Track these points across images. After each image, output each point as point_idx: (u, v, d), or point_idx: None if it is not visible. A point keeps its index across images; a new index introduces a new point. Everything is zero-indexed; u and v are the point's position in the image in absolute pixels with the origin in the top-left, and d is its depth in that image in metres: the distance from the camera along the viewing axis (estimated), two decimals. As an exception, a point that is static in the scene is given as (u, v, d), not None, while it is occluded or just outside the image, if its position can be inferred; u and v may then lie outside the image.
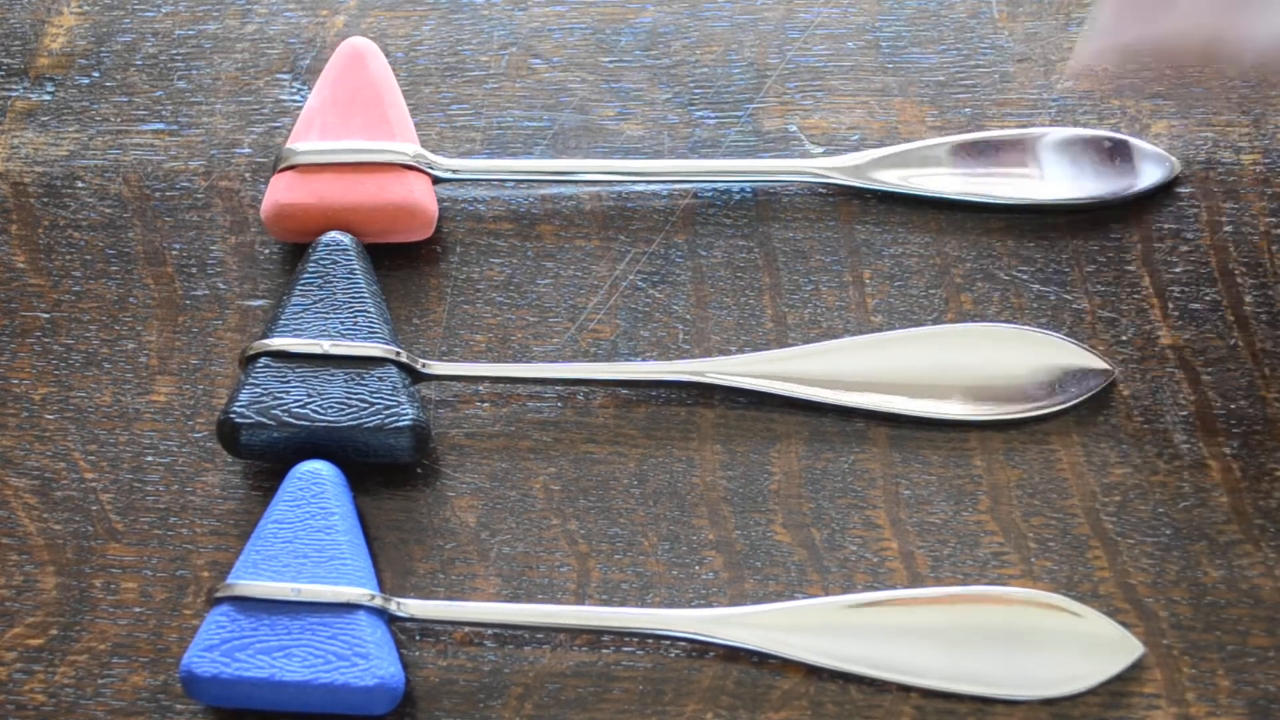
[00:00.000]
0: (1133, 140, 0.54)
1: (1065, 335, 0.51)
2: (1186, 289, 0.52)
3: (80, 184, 0.56)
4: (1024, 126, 0.55)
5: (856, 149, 0.55)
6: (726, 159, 0.54)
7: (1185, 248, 0.52)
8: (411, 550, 0.49)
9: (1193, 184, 0.53)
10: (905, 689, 0.46)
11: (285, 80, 0.57)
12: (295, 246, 0.54)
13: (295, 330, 0.50)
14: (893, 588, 0.48)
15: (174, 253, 0.54)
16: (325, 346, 0.49)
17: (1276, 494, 0.48)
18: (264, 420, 0.48)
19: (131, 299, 0.53)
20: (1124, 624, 0.46)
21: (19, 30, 0.59)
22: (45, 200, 0.55)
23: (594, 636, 0.47)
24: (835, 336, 0.51)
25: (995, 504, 0.49)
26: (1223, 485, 0.48)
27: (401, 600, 0.47)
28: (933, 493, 0.49)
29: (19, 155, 0.56)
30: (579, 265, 0.53)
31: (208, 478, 0.50)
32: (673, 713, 0.46)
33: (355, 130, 0.53)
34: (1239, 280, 0.52)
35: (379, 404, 0.49)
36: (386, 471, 0.50)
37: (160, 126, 0.56)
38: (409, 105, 0.56)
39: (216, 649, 0.46)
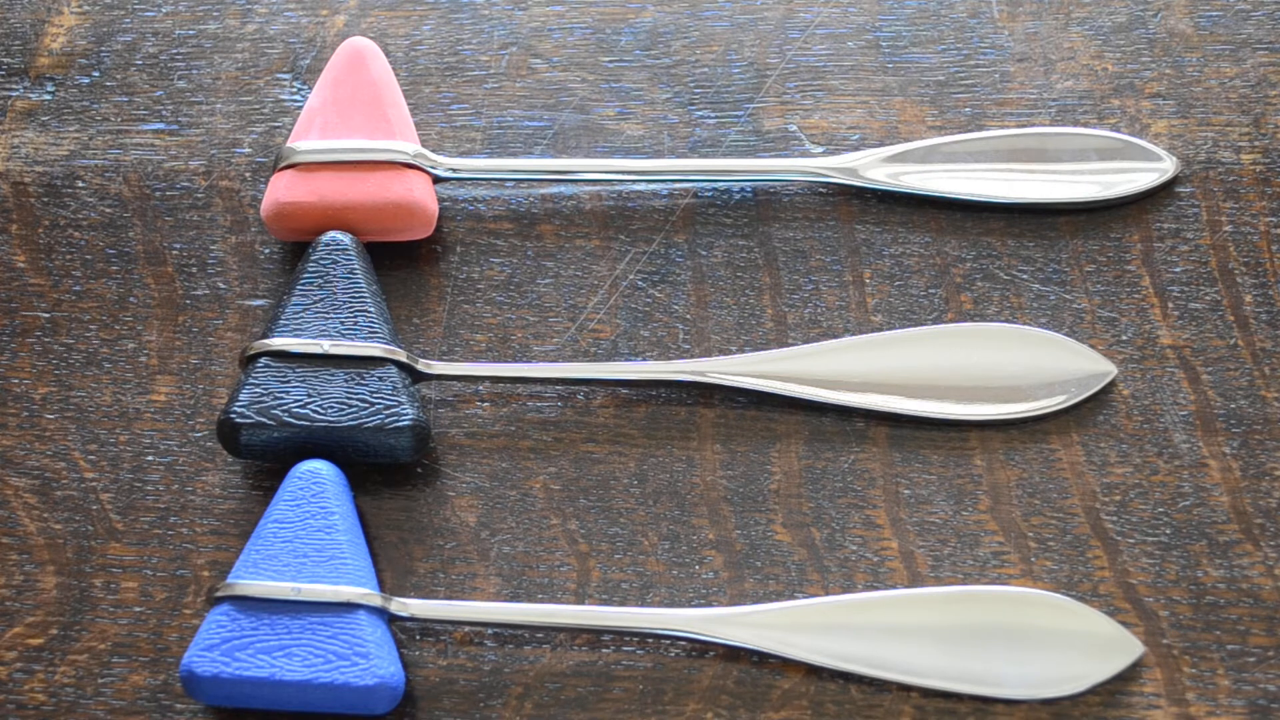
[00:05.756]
0: (1133, 140, 0.54)
1: (1065, 335, 0.51)
2: (1186, 289, 0.52)
3: (80, 184, 0.56)
4: (1024, 126, 0.55)
5: (856, 149, 0.55)
6: (726, 159, 0.54)
7: (1185, 248, 0.52)
8: (411, 550, 0.49)
9: (1193, 184, 0.53)
10: (905, 689, 0.46)
11: (285, 80, 0.57)
12: (295, 246, 0.54)
13: (295, 330, 0.50)
14: (893, 588, 0.48)
15: (174, 252, 0.54)
16: (325, 346, 0.49)
17: (1276, 494, 0.48)
18: (264, 420, 0.48)
19: (131, 299, 0.53)
20: (1124, 624, 0.46)
21: (19, 30, 0.59)
22: (45, 200, 0.55)
23: (594, 636, 0.47)
24: (835, 336, 0.51)
25: (995, 504, 0.49)
26: (1223, 485, 0.48)
27: (402, 600, 0.47)
28: (933, 492, 0.49)
29: (19, 155, 0.56)
30: (579, 265, 0.53)
31: (208, 478, 0.50)
32: (673, 712, 0.46)
33: (355, 129, 0.53)
34: (1239, 280, 0.52)
35: (379, 404, 0.49)
36: (386, 471, 0.50)
37: (160, 126, 0.57)
38: (409, 105, 0.56)
39: (217, 648, 0.46)
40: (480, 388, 0.51)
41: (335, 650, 0.45)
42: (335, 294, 0.50)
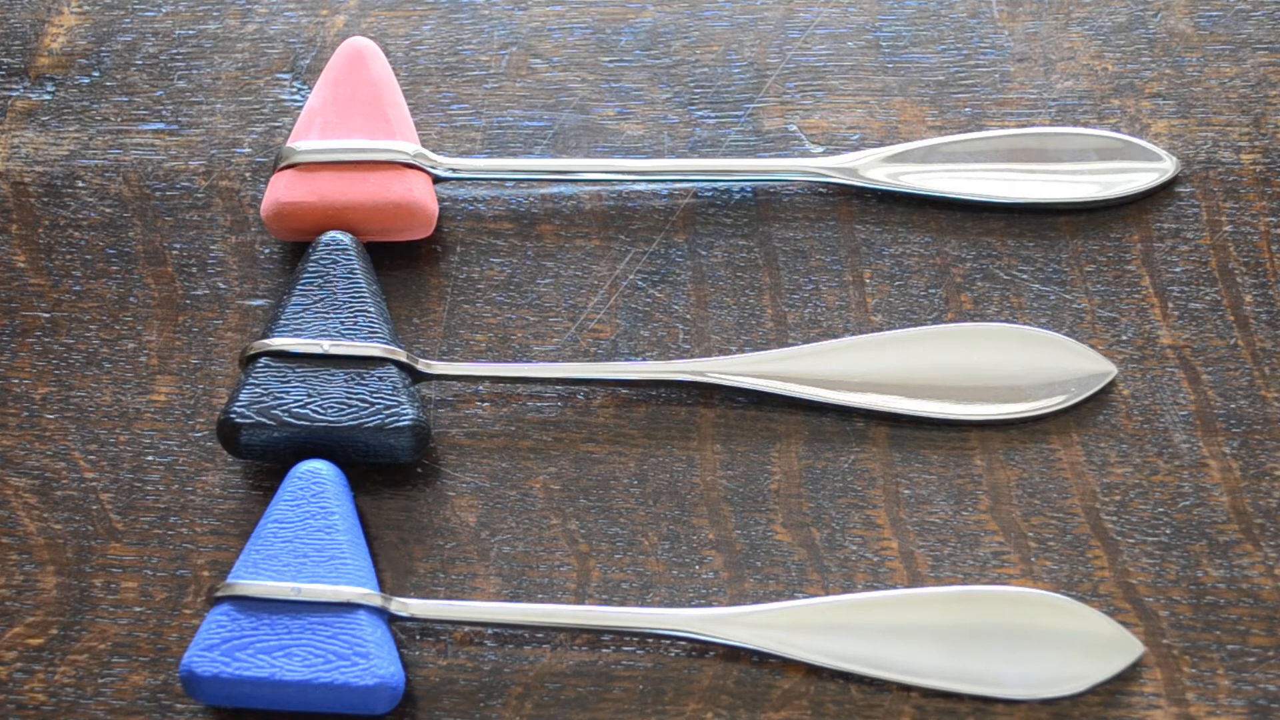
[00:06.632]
0: (1133, 140, 0.54)
1: (1065, 335, 0.51)
2: (1186, 289, 0.52)
3: (80, 184, 0.56)
4: (1024, 126, 0.55)
5: (856, 149, 0.55)
6: (726, 159, 0.54)
7: (1185, 248, 0.52)
8: (411, 550, 0.49)
9: (1193, 184, 0.53)
10: (905, 689, 0.46)
11: (285, 80, 0.57)
12: (295, 246, 0.54)
13: (295, 330, 0.50)
14: (893, 588, 0.48)
15: (174, 252, 0.54)
16: (325, 346, 0.49)
17: (1276, 494, 0.48)
18: (264, 420, 0.48)
19: (131, 299, 0.53)
20: (1124, 624, 0.46)
21: (19, 30, 0.59)
22: (45, 200, 0.55)
23: (594, 636, 0.47)
24: (835, 336, 0.51)
25: (995, 504, 0.49)
26: (1223, 485, 0.48)
27: (402, 600, 0.47)
28: (933, 492, 0.49)
29: (19, 155, 0.56)
30: (579, 265, 0.53)
31: (208, 478, 0.50)
32: (673, 712, 0.46)
33: (355, 129, 0.53)
34: (1239, 280, 0.52)
35: (379, 404, 0.49)
36: (386, 471, 0.50)
37: (160, 126, 0.57)
38: (409, 105, 0.56)
39: (217, 648, 0.46)
40: (480, 388, 0.51)
41: (335, 650, 0.45)
42: (335, 294, 0.50)
